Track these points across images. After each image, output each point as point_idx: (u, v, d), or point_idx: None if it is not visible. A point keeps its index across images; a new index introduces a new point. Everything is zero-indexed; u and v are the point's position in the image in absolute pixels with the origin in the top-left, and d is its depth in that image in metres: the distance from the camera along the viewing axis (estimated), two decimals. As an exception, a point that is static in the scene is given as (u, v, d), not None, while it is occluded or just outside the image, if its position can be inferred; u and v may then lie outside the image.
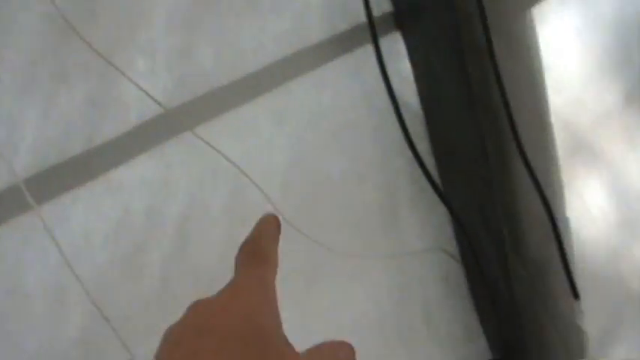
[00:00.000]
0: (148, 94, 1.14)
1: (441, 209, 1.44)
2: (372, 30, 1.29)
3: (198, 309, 0.53)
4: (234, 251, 1.15)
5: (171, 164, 1.17)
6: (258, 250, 0.61)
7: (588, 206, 1.48)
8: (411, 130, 1.34)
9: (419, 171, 1.37)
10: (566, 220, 1.42)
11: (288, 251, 1.23)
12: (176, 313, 1.13)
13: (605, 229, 1.51)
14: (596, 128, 1.49)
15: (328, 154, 1.32)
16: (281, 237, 1.11)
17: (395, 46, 1.38)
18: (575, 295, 1.40)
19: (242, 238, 1.15)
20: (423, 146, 1.40)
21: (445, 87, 1.42)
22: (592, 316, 1.48)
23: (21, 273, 1.10)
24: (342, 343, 0.56)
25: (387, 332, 1.38)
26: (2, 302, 1.13)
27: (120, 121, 1.14)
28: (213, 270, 1.19)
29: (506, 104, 1.33)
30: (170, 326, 0.52)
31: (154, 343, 1.10)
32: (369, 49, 1.32)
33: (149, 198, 1.17)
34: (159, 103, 1.15)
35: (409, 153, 1.36)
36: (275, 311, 0.54)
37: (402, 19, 1.38)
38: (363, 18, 1.31)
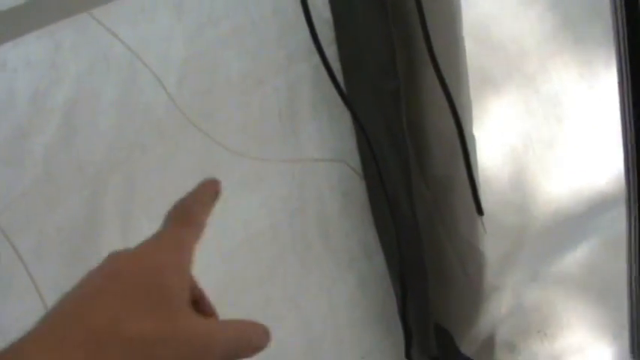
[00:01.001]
0: (42, -31, 1.12)
1: (344, 120, 1.47)
2: None
3: (114, 258, 0.58)
4: (124, 142, 1.17)
5: (61, 46, 1.16)
6: (188, 211, 0.65)
7: (496, 127, 1.51)
8: (318, 34, 1.35)
9: (323, 79, 1.38)
10: (472, 138, 1.45)
11: (183, 145, 1.25)
12: (58, 204, 1.14)
13: (510, 152, 1.54)
14: (509, 48, 1.52)
15: (228, 52, 1.32)
16: (177, 130, 1.13)
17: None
18: (480, 211, 1.44)
19: (132, 129, 1.17)
20: (330, 52, 1.41)
21: (357, -8, 1.43)
22: (492, 239, 1.52)
23: None
24: (257, 325, 0.61)
25: (280, 243, 1.40)
26: None
27: (8, -6, 1.12)
28: (100, 161, 1.20)
29: (421, 13, 1.35)
30: (88, 271, 0.56)
31: (37, 232, 1.11)
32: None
33: (35, 80, 1.16)
34: (54, -20, 1.13)
35: (314, 59, 1.37)
36: (185, 274, 0.58)
37: None
38: None
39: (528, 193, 1.58)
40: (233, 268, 1.34)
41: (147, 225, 1.23)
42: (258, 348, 0.59)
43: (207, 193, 0.68)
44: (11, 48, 1.14)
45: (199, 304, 0.62)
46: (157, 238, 0.61)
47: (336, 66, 1.43)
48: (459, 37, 1.42)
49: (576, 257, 1.70)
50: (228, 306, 1.30)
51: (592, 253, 1.71)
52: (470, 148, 1.45)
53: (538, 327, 1.70)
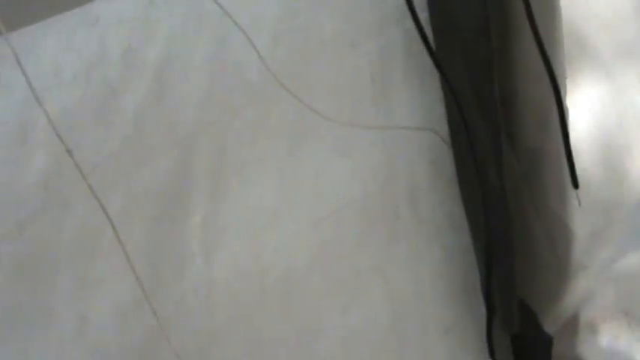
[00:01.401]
0: None
1: (434, 88, 1.42)
2: None
3: None
4: (215, 103, 1.13)
5: (154, 2, 1.13)
6: None
7: (589, 98, 1.45)
8: (411, -2, 1.30)
9: (414, 44, 1.34)
10: (566, 109, 1.38)
11: (274, 108, 1.20)
12: (147, 164, 1.10)
13: (603, 126, 1.48)
14: (605, 16, 1.45)
15: (321, 12, 1.28)
16: (268, 92, 1.08)
17: None
18: (575, 184, 1.38)
19: (224, 90, 1.12)
20: (422, 17, 1.36)
21: (450, -45, 1.38)
22: (581, 216, 1.46)
23: (-17, 103, 1.05)
24: None
25: (370, 213, 1.36)
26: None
27: (102, -51, 1.09)
28: (190, 121, 1.16)
29: (518, -23, 1.29)
30: None
31: (125, 192, 1.08)
32: None
33: (127, 37, 1.13)
34: None
35: (406, 23, 1.32)
36: None
37: None
38: None
39: (620, 169, 1.52)
40: (323, 237, 1.30)
41: (237, 187, 1.19)
42: None
43: None
44: (104, 3, 1.11)
45: None
46: None
47: (429, 33, 1.38)
48: (555, 5, 1.36)
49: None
50: (318, 276, 1.27)
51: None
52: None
53: (625, 309, 1.63)
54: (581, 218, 1.49)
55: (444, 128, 1.46)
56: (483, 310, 1.54)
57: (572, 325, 1.62)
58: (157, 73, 1.15)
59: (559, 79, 1.38)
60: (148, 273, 1.14)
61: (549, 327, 1.63)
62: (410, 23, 1.29)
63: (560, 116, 1.34)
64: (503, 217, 1.47)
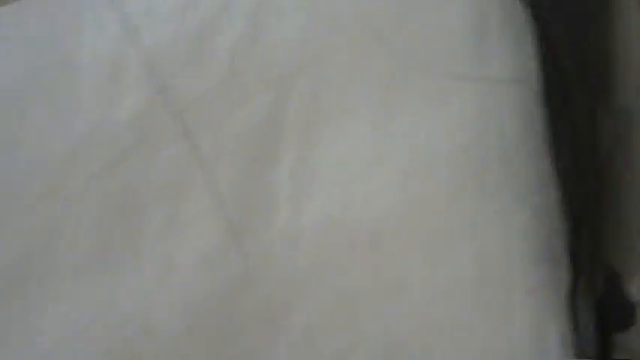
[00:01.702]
0: None
1: (529, 41, 1.37)
2: None
3: None
4: (309, 47, 1.10)
5: (250, -59, 1.09)
6: None
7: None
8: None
9: (512, -5, 1.29)
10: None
11: (368, 57, 1.17)
12: (239, 107, 1.08)
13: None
14: None
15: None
16: (363, 40, 1.05)
17: None
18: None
19: (319, 35, 1.09)
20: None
21: None
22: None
23: (76, 41, 1.04)
24: None
25: (461, 168, 1.32)
26: (52, 72, 1.07)
27: None
28: (282, 65, 1.14)
29: None
30: None
31: (217, 134, 1.05)
32: None
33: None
34: None
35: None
36: None
37: None
38: None
39: None
40: (414, 192, 1.26)
41: (328, 135, 1.16)
42: None
43: None
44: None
45: None
46: None
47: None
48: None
49: None
50: (407, 230, 1.23)
51: None
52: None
53: None
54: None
55: (537, 84, 1.42)
56: (567, 273, 1.50)
57: (659, 292, 1.58)
58: (252, 13, 1.13)
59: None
60: (236, 218, 1.12)
61: (636, 293, 1.59)
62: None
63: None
64: (594, 177, 1.43)
